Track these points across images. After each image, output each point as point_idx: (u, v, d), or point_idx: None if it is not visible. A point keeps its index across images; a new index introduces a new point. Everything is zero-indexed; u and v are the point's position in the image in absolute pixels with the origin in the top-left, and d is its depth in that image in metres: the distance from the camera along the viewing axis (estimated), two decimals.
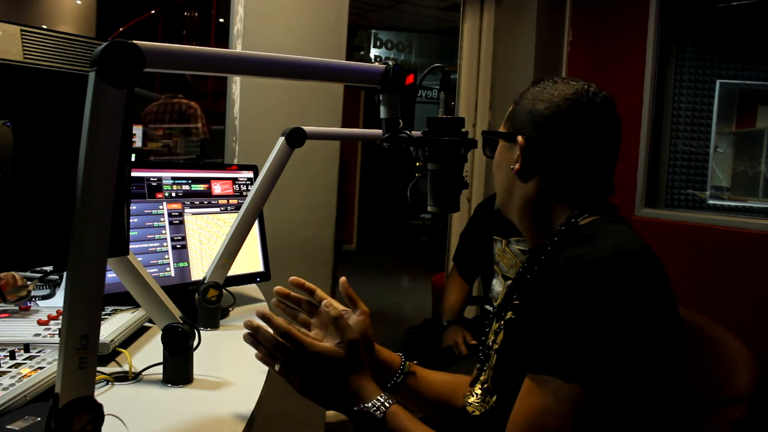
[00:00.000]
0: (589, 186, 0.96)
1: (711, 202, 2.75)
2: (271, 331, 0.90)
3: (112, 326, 1.21)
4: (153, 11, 6.44)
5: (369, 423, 0.87)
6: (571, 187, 0.95)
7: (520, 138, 0.95)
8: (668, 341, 0.85)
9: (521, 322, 0.96)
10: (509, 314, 1.00)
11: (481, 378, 1.04)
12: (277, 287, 1.04)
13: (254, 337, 0.91)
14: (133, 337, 1.28)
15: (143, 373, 1.09)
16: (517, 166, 0.96)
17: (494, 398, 0.96)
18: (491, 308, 2.31)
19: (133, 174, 1.50)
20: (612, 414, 0.81)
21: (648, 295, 0.82)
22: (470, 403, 1.03)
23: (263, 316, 0.91)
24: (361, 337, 0.95)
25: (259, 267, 1.74)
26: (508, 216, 1.05)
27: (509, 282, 2.19)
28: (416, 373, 1.11)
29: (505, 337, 0.99)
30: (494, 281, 2.31)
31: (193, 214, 1.60)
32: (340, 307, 0.99)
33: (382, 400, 0.88)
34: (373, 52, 8.32)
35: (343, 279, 1.04)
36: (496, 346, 1.01)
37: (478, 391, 1.03)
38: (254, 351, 0.94)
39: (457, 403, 1.09)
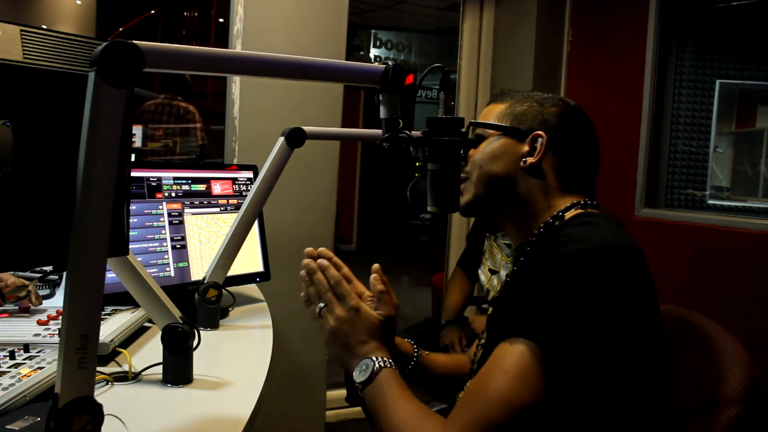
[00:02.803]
0: (585, 184, 1.03)
1: (711, 202, 2.75)
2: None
3: (112, 326, 1.21)
4: (153, 11, 6.44)
5: (363, 373, 0.92)
6: (573, 182, 1.01)
7: (543, 134, 0.99)
8: (637, 332, 0.85)
9: (501, 314, 0.97)
10: (490, 309, 1.02)
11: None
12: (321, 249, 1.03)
13: (310, 276, 0.99)
14: (132, 337, 1.28)
15: (143, 373, 1.09)
16: (530, 160, 0.99)
17: None
18: (487, 306, 2.34)
19: (133, 174, 1.50)
20: (565, 391, 0.80)
21: (618, 283, 0.83)
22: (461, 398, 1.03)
23: (320, 266, 0.99)
24: (395, 316, 1.00)
25: (258, 267, 1.74)
26: (483, 209, 1.05)
27: (495, 275, 2.23)
28: (426, 358, 1.17)
29: (487, 332, 1.01)
30: (479, 271, 2.34)
31: (192, 214, 1.60)
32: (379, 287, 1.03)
33: (386, 360, 0.93)
34: (373, 52, 8.31)
35: (376, 266, 1.04)
36: (482, 341, 1.03)
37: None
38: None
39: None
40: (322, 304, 0.98)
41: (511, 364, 0.80)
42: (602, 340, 0.80)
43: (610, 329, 0.81)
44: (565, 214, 0.98)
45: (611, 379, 0.83)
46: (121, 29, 6.06)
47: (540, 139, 0.99)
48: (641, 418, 0.87)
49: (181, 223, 1.57)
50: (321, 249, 1.02)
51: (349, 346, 0.95)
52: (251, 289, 1.78)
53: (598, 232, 0.88)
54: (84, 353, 0.67)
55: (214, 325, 1.42)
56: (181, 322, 1.04)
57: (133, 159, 2.24)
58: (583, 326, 0.79)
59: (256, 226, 1.72)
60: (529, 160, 0.99)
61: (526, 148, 1.00)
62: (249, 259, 1.71)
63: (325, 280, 0.98)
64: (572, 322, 0.79)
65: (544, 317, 0.80)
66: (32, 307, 1.31)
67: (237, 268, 1.59)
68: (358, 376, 0.92)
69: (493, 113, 1.05)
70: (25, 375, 0.94)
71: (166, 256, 1.52)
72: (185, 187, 1.60)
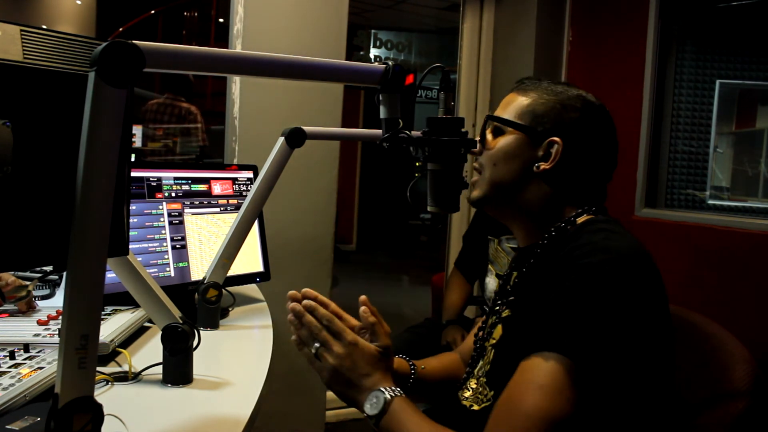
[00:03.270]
0: (599, 190, 1.02)
1: (711, 202, 2.75)
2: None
3: (112, 326, 1.21)
4: (153, 11, 6.45)
5: (375, 405, 0.91)
6: (586, 190, 1.00)
7: (559, 141, 0.98)
8: (659, 339, 0.87)
9: (519, 318, 0.96)
10: (506, 311, 1.01)
11: (476, 371, 1.05)
12: (304, 292, 1.02)
13: (299, 319, 0.97)
14: (133, 337, 1.28)
15: (143, 373, 1.09)
16: (543, 165, 0.98)
17: (492, 393, 0.97)
18: (488, 307, 2.33)
19: (133, 174, 1.50)
20: (596, 403, 0.81)
21: (645, 292, 0.84)
22: (466, 398, 1.03)
23: (308, 307, 0.97)
24: (391, 345, 0.99)
25: (258, 267, 1.74)
26: (492, 208, 1.05)
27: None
28: (422, 372, 1.17)
29: (504, 333, 1.00)
30: (487, 279, 2.32)
31: (192, 214, 1.60)
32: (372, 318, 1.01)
33: (394, 389, 0.92)
34: (373, 52, 8.31)
35: (363, 298, 1.02)
36: (492, 341, 1.02)
37: (474, 385, 1.03)
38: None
39: (460, 376, 1.16)
40: (317, 345, 0.96)
41: (545, 378, 0.80)
42: (633, 351, 0.82)
43: (639, 339, 0.83)
44: (577, 219, 0.98)
45: (639, 384, 0.84)
46: (121, 29, 6.07)
47: (556, 146, 0.97)
48: (660, 417, 0.88)
49: (181, 223, 1.57)
50: (305, 290, 1.00)
51: (353, 382, 0.94)
52: (251, 289, 1.78)
53: (619, 239, 0.88)
54: (84, 353, 0.67)
55: (214, 325, 1.42)
56: (181, 322, 1.04)
57: (133, 159, 2.24)
58: (616, 341, 0.80)
59: (256, 226, 1.72)
60: (543, 165, 0.98)
61: (541, 152, 0.99)
62: (249, 259, 1.71)
63: (316, 320, 0.96)
64: (606, 339, 0.80)
65: (577, 333, 0.80)
66: (24, 311, 1.31)
67: (237, 268, 1.59)
68: (371, 410, 0.91)
69: (514, 107, 1.02)
70: (25, 375, 0.94)
71: (166, 256, 1.52)
72: (185, 187, 1.60)
